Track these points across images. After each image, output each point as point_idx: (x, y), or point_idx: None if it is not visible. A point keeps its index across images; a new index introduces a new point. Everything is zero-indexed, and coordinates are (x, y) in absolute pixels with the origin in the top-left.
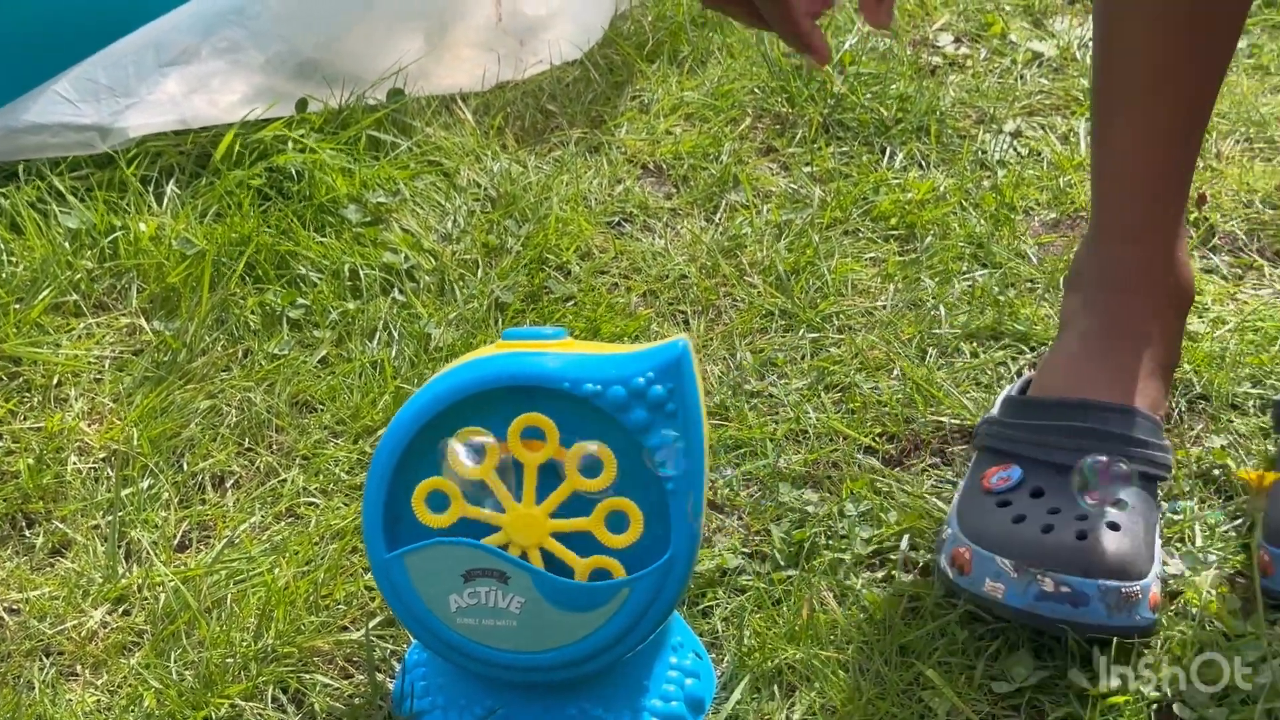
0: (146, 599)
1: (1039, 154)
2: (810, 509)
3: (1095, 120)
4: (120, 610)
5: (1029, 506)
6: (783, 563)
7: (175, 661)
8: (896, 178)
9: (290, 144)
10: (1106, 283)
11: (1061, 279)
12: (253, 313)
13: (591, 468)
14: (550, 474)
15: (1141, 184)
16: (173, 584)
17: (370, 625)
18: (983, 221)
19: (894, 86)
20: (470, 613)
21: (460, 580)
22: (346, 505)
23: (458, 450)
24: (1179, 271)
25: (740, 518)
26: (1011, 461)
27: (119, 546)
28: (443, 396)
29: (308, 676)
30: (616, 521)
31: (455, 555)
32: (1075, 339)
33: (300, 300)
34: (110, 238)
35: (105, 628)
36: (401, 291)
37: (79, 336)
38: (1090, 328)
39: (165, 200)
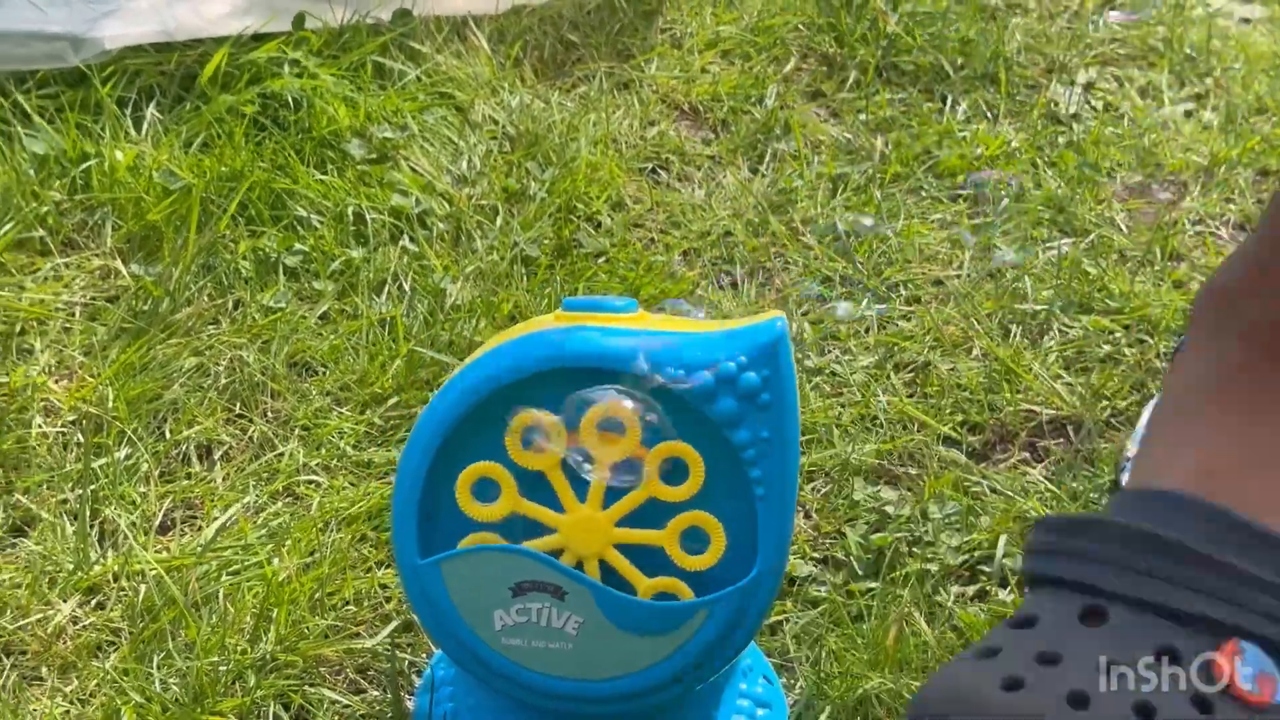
0: (124, 590)
1: (1116, 109)
2: (889, 509)
3: None
4: (93, 603)
5: None
6: (861, 572)
7: (158, 668)
8: (961, 129)
9: (286, 67)
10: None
11: (1199, 287)
12: (245, 259)
13: (675, 473)
14: (622, 474)
15: None
16: (155, 573)
17: (386, 630)
18: (1061, 183)
19: (954, 28)
20: (517, 632)
21: (508, 594)
22: (352, 486)
23: (520, 433)
24: None
25: (809, 516)
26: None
27: (91, 527)
28: (495, 375)
29: (313, 690)
30: (694, 539)
31: (503, 564)
32: (1220, 394)
33: (298, 246)
34: (82, 166)
35: (75, 624)
36: (412, 239)
37: (45, 279)
38: (1253, 397)
39: (145, 125)
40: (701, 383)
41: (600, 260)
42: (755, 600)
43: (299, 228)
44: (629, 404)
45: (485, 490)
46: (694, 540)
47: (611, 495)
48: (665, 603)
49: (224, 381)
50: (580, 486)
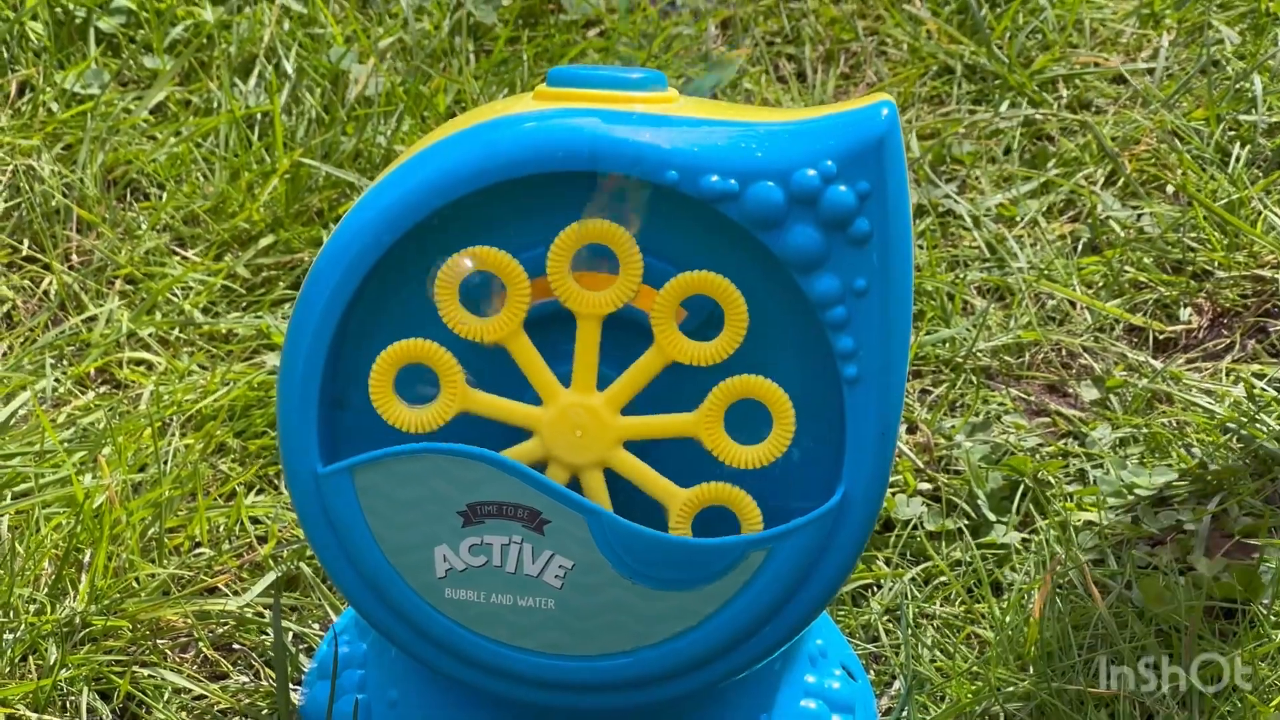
0: None
1: None
2: (1034, 427)
3: None
4: None
5: None
6: (991, 515)
7: None
8: None
9: None
10: None
11: None
12: (35, 18)
13: (703, 321)
14: (628, 335)
15: None
16: None
17: (259, 585)
18: None
19: None
20: (470, 581)
21: (456, 522)
22: (204, 370)
23: (454, 287)
24: None
25: (913, 429)
26: None
27: None
28: (435, 188)
29: (146, 672)
30: (745, 416)
31: (449, 475)
32: None
33: (120, 0)
34: None
35: None
36: None
37: None
38: None
39: None
40: (762, 199)
41: (592, 32)
42: (838, 541)
43: None
44: (617, 222)
45: (416, 384)
46: (746, 418)
47: (609, 369)
48: (704, 540)
49: (3, 206)
50: (560, 361)
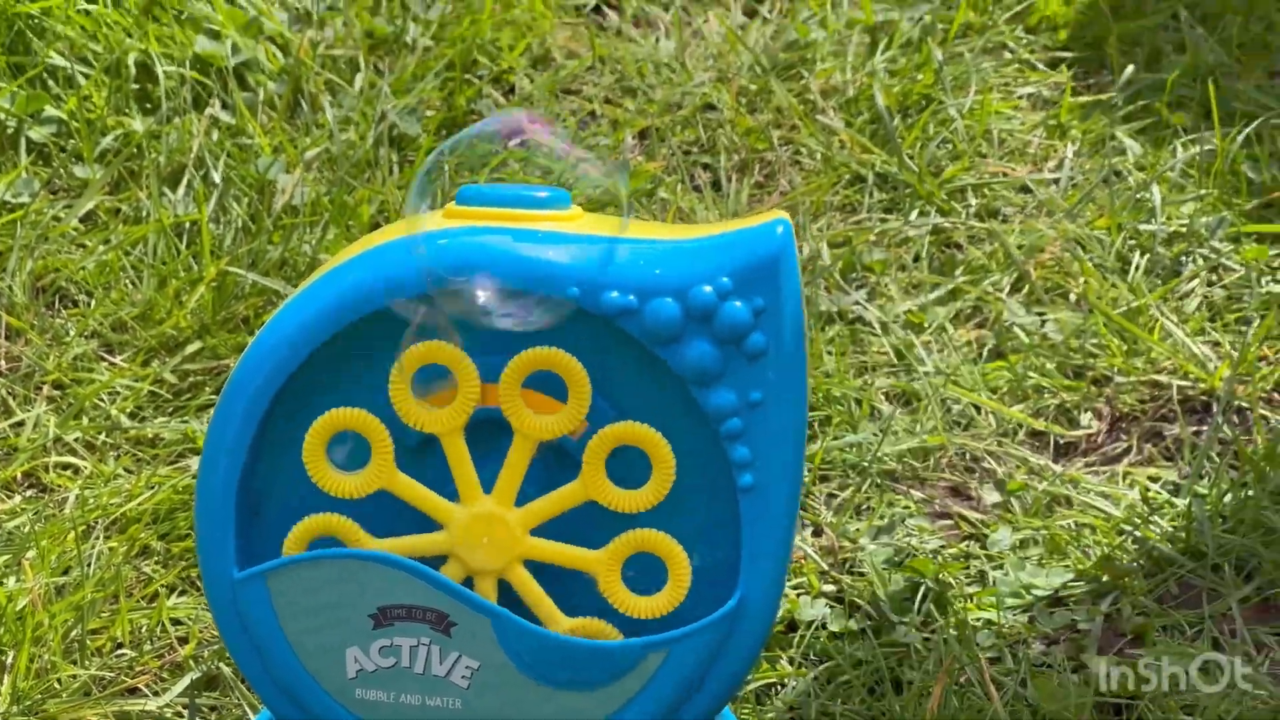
0: None
1: None
2: (937, 529)
3: None
4: None
5: None
6: (892, 616)
7: None
8: None
9: None
10: None
11: None
12: None
13: (631, 468)
14: (553, 456)
15: None
16: None
17: (179, 686)
18: (1216, 49)
19: None
20: (380, 681)
21: (367, 624)
22: (129, 474)
23: (414, 374)
24: None
25: (819, 533)
26: None
27: None
28: (351, 302)
29: None
30: (643, 572)
31: (360, 579)
32: None
33: (51, 110)
34: None
35: None
36: (227, 105)
37: None
38: None
39: None
40: (660, 315)
41: (513, 143)
42: (735, 643)
43: (52, 81)
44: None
45: (347, 450)
46: (643, 573)
47: (532, 488)
48: (604, 643)
49: None
50: (488, 466)
